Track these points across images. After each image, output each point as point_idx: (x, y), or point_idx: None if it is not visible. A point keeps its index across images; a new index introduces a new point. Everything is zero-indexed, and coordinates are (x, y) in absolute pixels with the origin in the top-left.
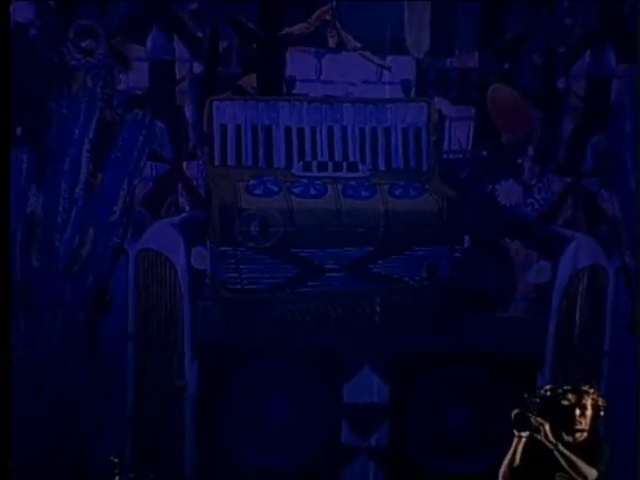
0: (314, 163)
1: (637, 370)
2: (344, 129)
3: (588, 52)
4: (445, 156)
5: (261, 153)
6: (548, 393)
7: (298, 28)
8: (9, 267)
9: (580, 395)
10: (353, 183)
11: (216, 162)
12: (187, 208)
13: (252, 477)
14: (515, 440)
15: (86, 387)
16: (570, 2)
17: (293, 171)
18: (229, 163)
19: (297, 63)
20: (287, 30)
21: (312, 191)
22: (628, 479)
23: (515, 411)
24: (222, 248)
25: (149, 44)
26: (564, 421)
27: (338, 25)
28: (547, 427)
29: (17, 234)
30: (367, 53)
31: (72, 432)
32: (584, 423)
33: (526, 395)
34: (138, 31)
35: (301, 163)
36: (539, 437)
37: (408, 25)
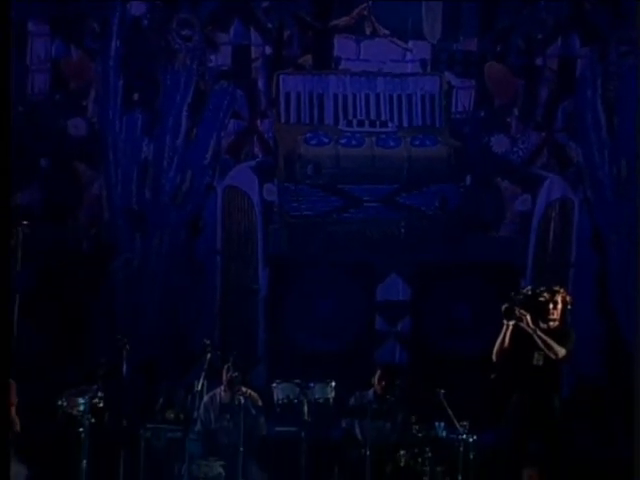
0: (355, 121)
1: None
2: (377, 95)
3: (559, 38)
4: (453, 116)
5: (315, 113)
6: (529, 292)
7: (343, 21)
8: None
9: (553, 293)
10: (384, 136)
11: (282, 120)
12: (260, 155)
13: (307, 357)
14: (504, 327)
15: (186, 289)
16: (546, 2)
17: (339, 127)
18: (291, 121)
19: (342, 46)
20: (334, 22)
21: (353, 142)
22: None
23: (504, 305)
24: (286, 185)
25: (232, 32)
26: (541, 313)
27: (373, 18)
28: (528, 317)
29: (133, 175)
30: (394, 39)
31: (175, 321)
32: (556, 314)
33: (512, 293)
34: (224, 23)
35: (345, 121)
36: (522, 325)
37: (425, 18)
